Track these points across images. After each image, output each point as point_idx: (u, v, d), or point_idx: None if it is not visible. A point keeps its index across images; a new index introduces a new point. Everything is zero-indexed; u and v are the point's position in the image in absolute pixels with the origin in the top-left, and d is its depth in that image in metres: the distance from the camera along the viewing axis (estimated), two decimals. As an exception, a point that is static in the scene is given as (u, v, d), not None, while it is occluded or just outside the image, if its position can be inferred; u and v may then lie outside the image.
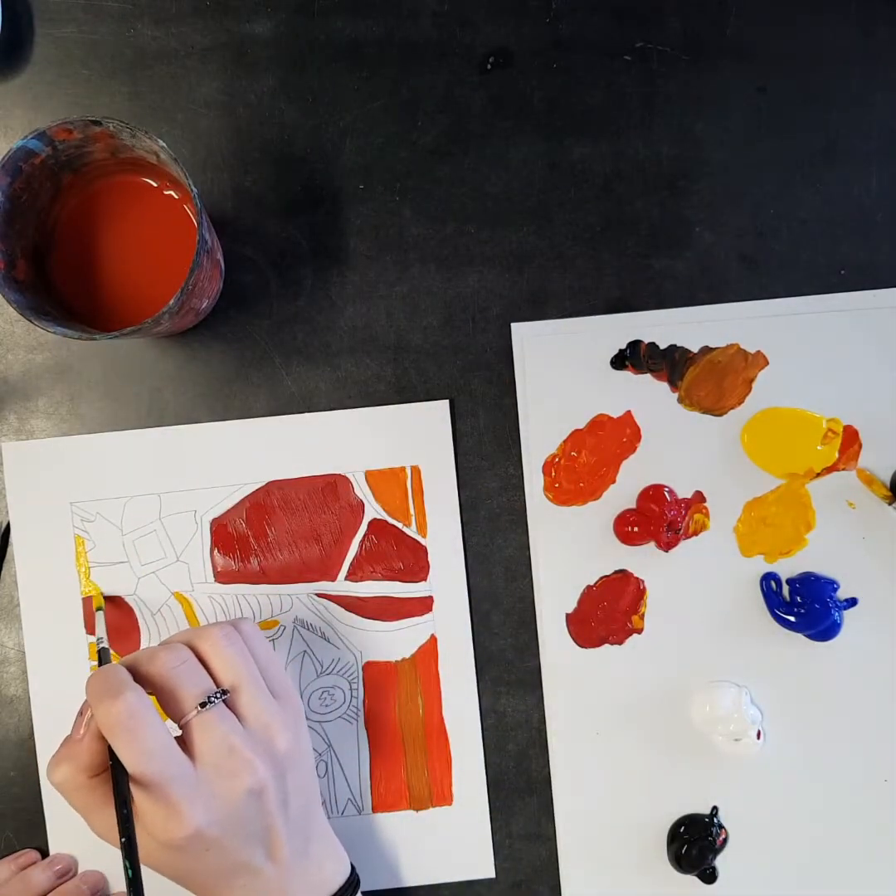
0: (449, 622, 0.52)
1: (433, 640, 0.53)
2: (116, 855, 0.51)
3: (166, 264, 0.48)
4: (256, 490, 0.53)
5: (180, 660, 0.42)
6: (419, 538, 0.53)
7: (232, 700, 0.43)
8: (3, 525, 0.52)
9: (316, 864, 0.45)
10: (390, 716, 0.53)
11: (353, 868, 0.48)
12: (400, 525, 0.53)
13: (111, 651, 0.48)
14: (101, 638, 0.48)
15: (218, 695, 0.42)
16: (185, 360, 0.53)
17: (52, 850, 0.52)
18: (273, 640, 0.52)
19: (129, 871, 0.38)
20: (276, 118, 0.53)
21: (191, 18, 0.53)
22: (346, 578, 0.53)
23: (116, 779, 0.40)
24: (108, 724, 0.40)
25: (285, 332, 0.53)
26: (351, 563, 0.53)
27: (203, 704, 0.42)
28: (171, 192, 0.48)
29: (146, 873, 0.39)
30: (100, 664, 0.46)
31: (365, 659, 0.53)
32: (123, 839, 0.39)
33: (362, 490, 0.53)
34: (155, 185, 0.48)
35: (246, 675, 0.44)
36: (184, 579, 0.52)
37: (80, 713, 0.42)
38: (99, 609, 0.51)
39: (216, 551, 0.53)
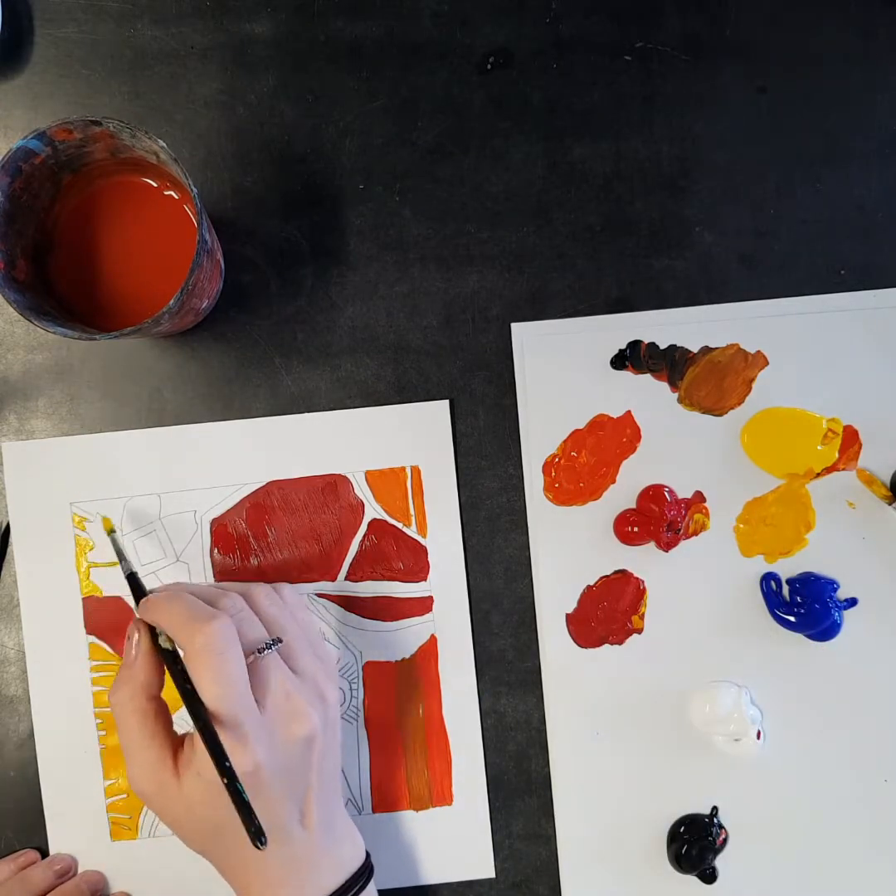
0: (449, 622, 0.52)
1: (433, 640, 0.52)
2: (116, 855, 0.52)
3: (166, 264, 0.48)
4: (256, 490, 0.53)
5: (238, 608, 0.44)
6: (419, 538, 0.53)
7: (283, 652, 0.44)
8: (3, 525, 0.52)
9: (337, 841, 0.46)
10: (390, 716, 0.53)
11: (368, 855, 0.47)
12: (400, 525, 0.53)
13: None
14: (127, 562, 0.47)
15: (273, 643, 0.43)
16: (185, 360, 0.53)
17: (52, 850, 0.52)
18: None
19: (245, 795, 0.38)
20: (276, 118, 0.53)
21: (191, 18, 0.53)
22: (346, 578, 0.53)
23: (194, 711, 0.40)
24: (198, 646, 0.40)
25: (285, 332, 0.53)
26: (351, 563, 0.53)
27: (259, 651, 0.43)
28: (171, 192, 0.48)
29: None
30: (133, 589, 0.46)
31: (365, 659, 0.53)
32: (227, 763, 0.39)
33: (362, 490, 0.53)
34: (155, 185, 0.48)
35: (292, 630, 0.45)
36: (184, 579, 0.52)
37: (128, 637, 0.43)
38: (111, 533, 0.49)
39: (216, 551, 0.53)
